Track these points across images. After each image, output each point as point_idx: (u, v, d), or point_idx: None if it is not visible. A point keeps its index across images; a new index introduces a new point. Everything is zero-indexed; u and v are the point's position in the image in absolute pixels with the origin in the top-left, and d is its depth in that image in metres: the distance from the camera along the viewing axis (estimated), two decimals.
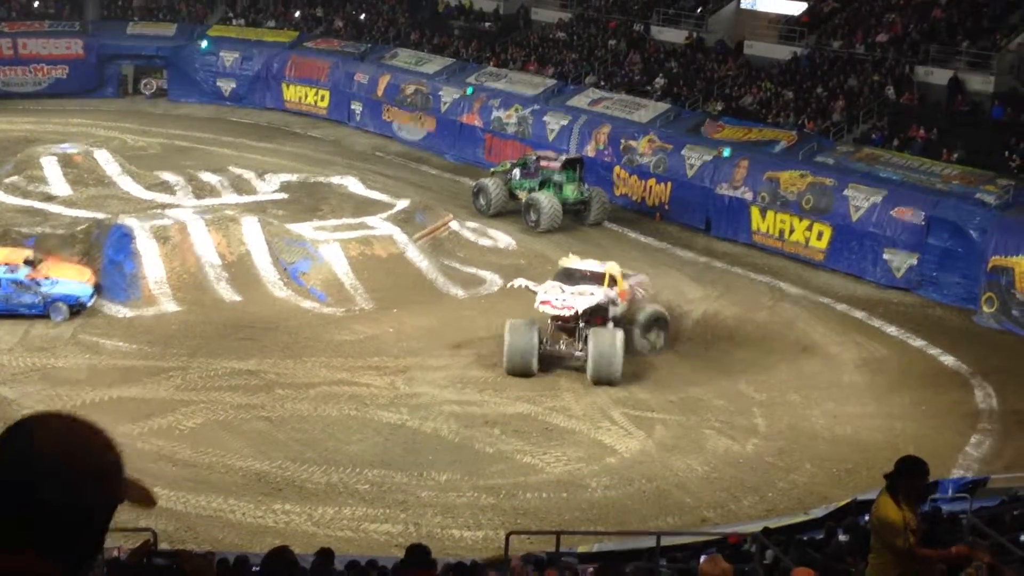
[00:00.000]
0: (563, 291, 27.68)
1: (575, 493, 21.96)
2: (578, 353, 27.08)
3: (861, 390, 27.24)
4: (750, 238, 37.94)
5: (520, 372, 26.81)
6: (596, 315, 27.68)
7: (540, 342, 26.93)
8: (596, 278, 28.24)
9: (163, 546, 15.10)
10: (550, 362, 27.39)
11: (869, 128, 38.89)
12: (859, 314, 32.36)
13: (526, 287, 28.40)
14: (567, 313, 27.29)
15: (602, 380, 26.49)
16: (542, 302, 27.54)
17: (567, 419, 25.13)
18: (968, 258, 32.59)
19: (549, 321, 27.64)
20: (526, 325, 26.96)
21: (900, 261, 34.06)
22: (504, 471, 22.83)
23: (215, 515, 20.64)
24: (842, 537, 14.13)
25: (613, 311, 27.93)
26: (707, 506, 21.73)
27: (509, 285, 29.76)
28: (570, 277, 28.37)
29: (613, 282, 28.27)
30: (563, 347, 27.60)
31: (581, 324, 27.38)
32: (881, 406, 26.27)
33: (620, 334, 26.96)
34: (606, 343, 26.56)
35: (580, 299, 27.39)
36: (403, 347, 28.47)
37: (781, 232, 37.07)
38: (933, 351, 29.73)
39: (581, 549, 17.18)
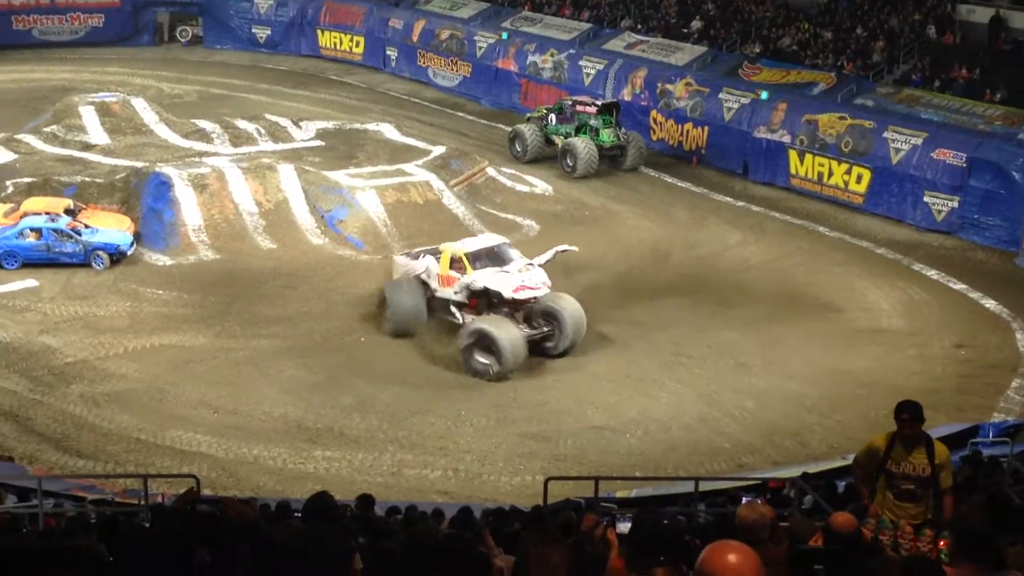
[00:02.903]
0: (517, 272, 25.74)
1: (613, 439, 22.01)
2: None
3: (901, 334, 27.08)
4: (788, 182, 37.66)
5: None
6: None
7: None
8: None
9: (206, 492, 15.28)
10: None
11: (909, 69, 38.36)
12: (899, 258, 32.13)
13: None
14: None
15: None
16: (518, 288, 25.18)
17: (605, 365, 25.15)
18: (1010, 200, 32.22)
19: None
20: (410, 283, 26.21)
21: (941, 204, 33.74)
22: (543, 417, 22.92)
23: (256, 461, 20.85)
24: None
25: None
26: (745, 451, 21.73)
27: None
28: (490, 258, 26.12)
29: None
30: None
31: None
32: (921, 350, 26.11)
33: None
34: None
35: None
36: None
37: (820, 175, 36.77)
38: (974, 295, 29.49)
39: (620, 494, 17.24)
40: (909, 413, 9.45)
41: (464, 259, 25.69)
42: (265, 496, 16.62)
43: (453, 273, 25.75)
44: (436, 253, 26.63)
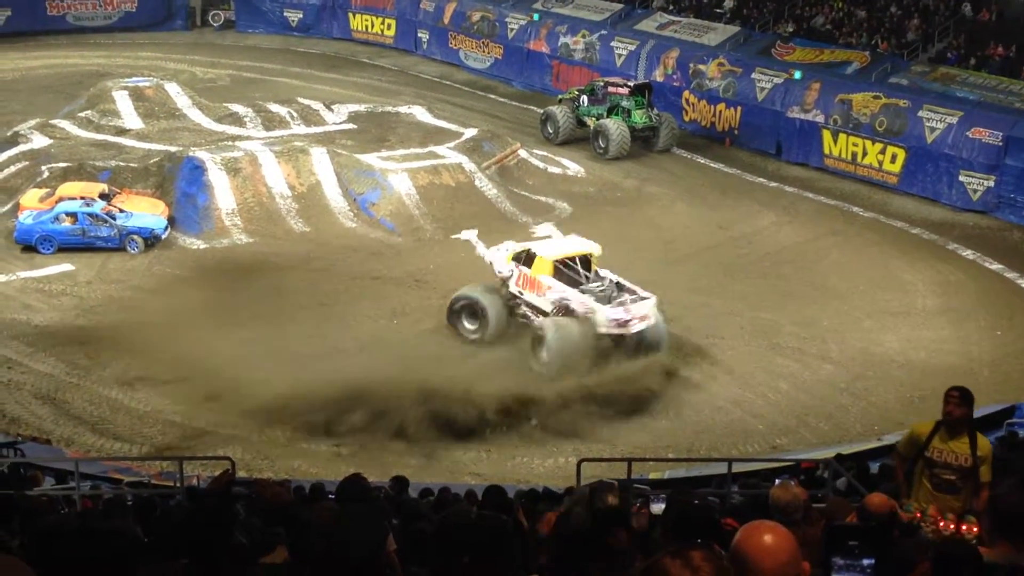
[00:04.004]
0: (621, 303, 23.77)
1: (646, 421, 21.98)
2: None
3: (936, 315, 26.91)
4: (822, 162, 37.42)
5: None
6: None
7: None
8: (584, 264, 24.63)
9: (241, 474, 15.38)
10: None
11: (945, 47, 38.00)
12: (934, 238, 31.90)
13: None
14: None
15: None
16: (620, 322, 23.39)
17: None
18: None
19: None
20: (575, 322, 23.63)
21: (977, 183, 33.45)
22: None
23: (290, 444, 20.95)
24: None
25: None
26: (779, 432, 21.68)
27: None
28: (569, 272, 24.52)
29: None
30: None
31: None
32: (956, 331, 25.95)
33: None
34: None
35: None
36: (474, 275, 28.39)
37: (854, 155, 36.51)
38: (1010, 274, 29.27)
39: (653, 476, 17.24)
40: (958, 391, 9.27)
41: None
42: (299, 478, 16.70)
43: None
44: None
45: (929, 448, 9.37)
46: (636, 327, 23.42)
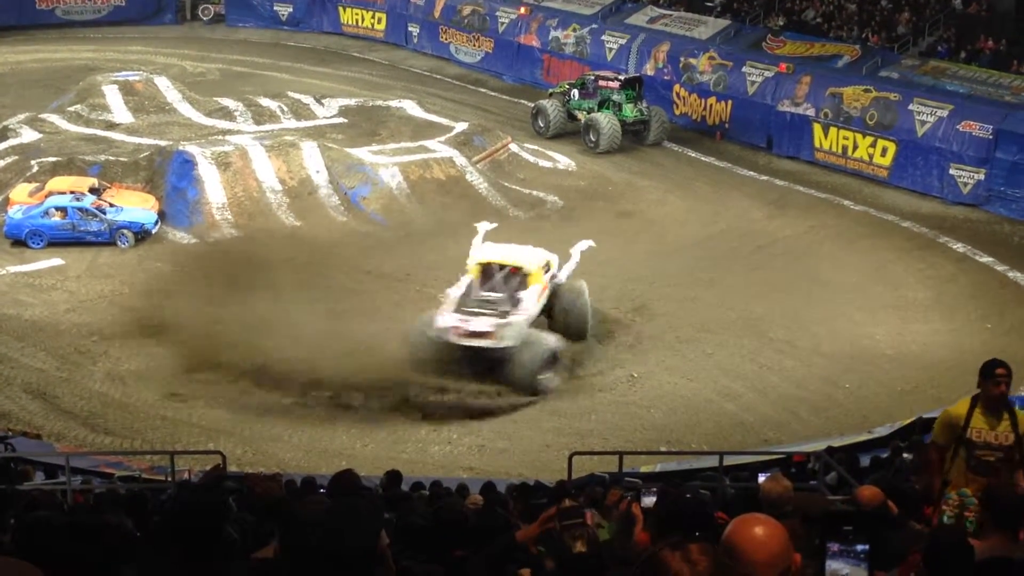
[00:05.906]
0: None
1: (637, 414, 22.00)
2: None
3: (927, 308, 26.95)
4: (812, 155, 37.44)
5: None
6: None
7: None
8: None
9: (232, 468, 15.35)
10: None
11: (935, 40, 38.04)
12: (924, 231, 31.93)
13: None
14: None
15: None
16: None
17: (628, 340, 25.11)
18: None
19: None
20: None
21: (967, 176, 33.49)
22: (567, 391, 22.90)
23: (281, 438, 20.93)
24: (907, 455, 14.05)
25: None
26: (770, 426, 21.69)
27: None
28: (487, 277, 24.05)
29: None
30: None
31: None
32: (947, 324, 25.99)
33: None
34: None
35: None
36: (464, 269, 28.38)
37: (844, 149, 36.54)
38: (1000, 267, 29.32)
39: (644, 469, 17.24)
40: (1006, 369, 8.74)
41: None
42: (290, 472, 16.68)
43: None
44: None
45: (969, 429, 8.82)
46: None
